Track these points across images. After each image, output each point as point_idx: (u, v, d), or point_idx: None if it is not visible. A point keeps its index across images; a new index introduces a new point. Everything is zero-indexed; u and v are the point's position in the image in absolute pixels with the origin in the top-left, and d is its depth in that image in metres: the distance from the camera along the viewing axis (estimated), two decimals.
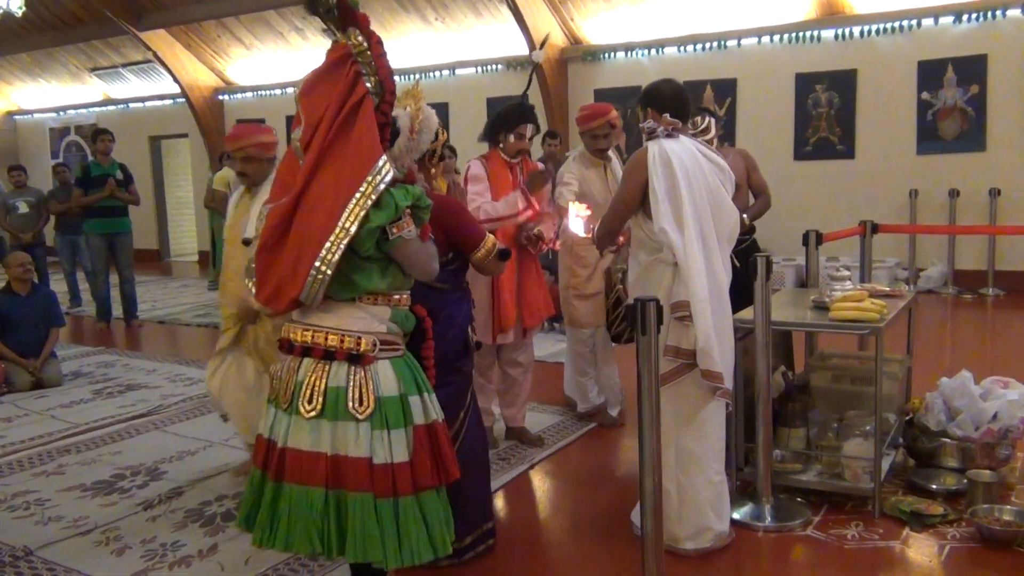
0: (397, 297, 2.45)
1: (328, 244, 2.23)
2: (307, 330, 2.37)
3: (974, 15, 8.45)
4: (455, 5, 10.86)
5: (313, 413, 2.29)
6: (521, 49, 10.42)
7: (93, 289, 8.57)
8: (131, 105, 15.00)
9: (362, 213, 2.23)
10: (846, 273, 3.80)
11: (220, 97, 13.96)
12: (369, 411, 2.29)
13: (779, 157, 9.41)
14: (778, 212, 7.91)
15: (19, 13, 10.47)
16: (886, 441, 3.69)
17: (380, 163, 2.27)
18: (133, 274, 8.61)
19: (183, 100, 13.71)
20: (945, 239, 8.79)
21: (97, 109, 15.40)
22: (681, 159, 3.10)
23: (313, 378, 2.32)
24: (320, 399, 2.30)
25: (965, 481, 3.48)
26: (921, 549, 3.16)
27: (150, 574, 3.16)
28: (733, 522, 3.30)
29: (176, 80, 13.37)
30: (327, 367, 2.33)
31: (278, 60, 13.09)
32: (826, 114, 9.28)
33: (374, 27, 2.41)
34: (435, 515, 2.38)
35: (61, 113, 16.03)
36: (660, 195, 3.06)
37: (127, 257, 8.44)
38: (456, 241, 3.02)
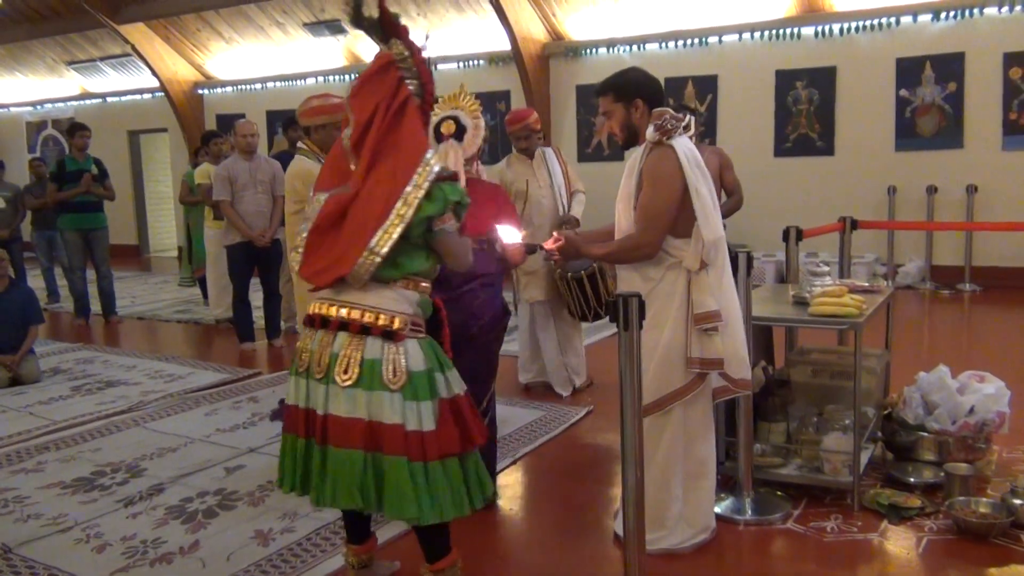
0: (424, 284, 2.65)
1: (380, 232, 2.45)
2: (343, 307, 2.56)
3: (952, 13, 8.53)
4: (437, 0, 10.83)
5: (349, 382, 2.49)
6: (503, 44, 10.41)
7: (70, 285, 8.46)
8: (109, 99, 14.83)
9: (415, 202, 2.46)
10: (825, 269, 3.83)
11: (199, 91, 13.85)
12: (401, 383, 2.49)
13: (759, 154, 9.47)
14: (758, 208, 8.00)
15: None
16: (865, 435, 3.72)
17: (428, 155, 2.52)
18: (110, 270, 8.48)
19: (162, 94, 13.57)
20: (923, 235, 8.88)
21: (75, 103, 15.21)
22: (697, 156, 2.99)
23: (349, 350, 2.51)
24: (356, 369, 2.49)
25: (942, 474, 3.51)
26: (899, 541, 3.19)
27: (131, 571, 3.14)
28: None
29: (155, 74, 13.24)
30: (363, 341, 2.51)
31: (258, 54, 13.00)
32: (806, 111, 9.34)
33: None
34: (458, 479, 2.58)
35: (38, 107, 15.83)
36: (707, 198, 2.91)
37: (103, 253, 8.32)
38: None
